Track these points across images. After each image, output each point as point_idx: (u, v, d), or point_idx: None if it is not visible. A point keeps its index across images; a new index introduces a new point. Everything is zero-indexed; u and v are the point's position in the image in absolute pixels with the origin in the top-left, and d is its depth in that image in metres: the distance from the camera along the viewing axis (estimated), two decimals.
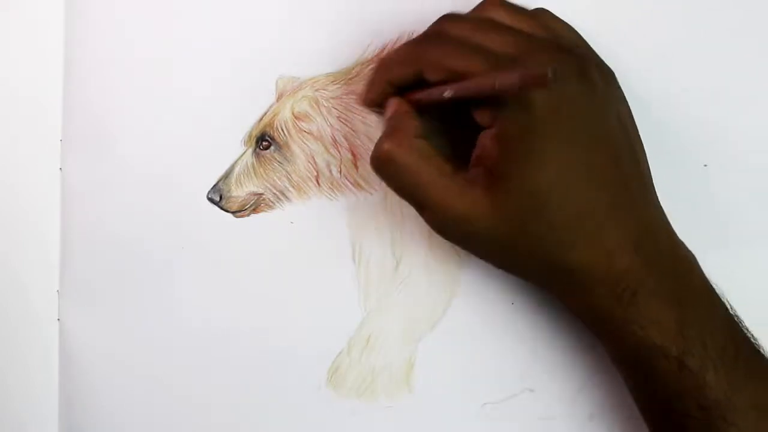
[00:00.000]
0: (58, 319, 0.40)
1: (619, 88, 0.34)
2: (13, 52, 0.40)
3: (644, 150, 0.34)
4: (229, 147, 0.39)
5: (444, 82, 0.32)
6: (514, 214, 0.31)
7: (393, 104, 0.34)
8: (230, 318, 0.39)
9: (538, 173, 0.30)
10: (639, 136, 0.34)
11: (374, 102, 0.36)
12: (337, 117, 0.38)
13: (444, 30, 0.33)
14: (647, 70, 0.36)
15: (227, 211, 0.39)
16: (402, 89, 0.34)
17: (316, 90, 0.38)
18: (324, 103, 0.38)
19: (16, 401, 0.40)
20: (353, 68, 0.38)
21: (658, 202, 0.33)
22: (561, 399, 0.38)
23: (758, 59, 0.37)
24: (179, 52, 0.39)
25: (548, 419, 0.38)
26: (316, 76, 0.38)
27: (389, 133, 0.33)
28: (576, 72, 0.31)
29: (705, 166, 0.37)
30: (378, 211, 0.38)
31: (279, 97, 0.38)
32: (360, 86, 0.37)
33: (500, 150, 0.31)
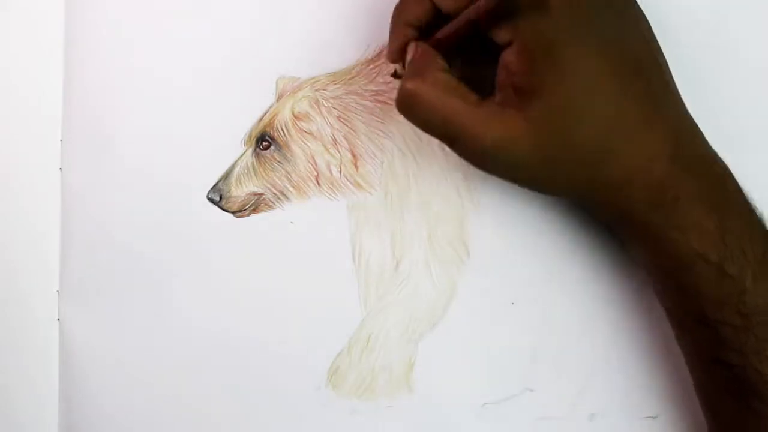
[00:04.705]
0: (58, 319, 0.40)
1: (637, 4, 0.33)
2: (13, 52, 0.40)
3: (667, 62, 0.33)
4: (229, 147, 0.39)
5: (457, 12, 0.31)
6: (551, 128, 0.30)
7: (412, 48, 0.33)
8: (230, 318, 0.39)
9: (566, 80, 0.30)
10: (661, 50, 0.33)
11: (398, 51, 0.34)
12: (337, 117, 0.38)
13: None
14: None
15: (227, 211, 0.39)
16: (423, 33, 0.33)
17: (316, 90, 0.38)
18: (324, 103, 0.38)
19: (16, 401, 0.40)
20: (353, 68, 0.38)
21: (688, 112, 0.33)
22: (561, 399, 0.38)
23: None
24: (179, 52, 0.39)
25: (548, 419, 0.38)
26: (316, 76, 0.38)
27: (410, 74, 0.32)
28: None
29: None
30: (378, 211, 0.38)
31: (279, 97, 0.38)
32: (360, 86, 0.37)
33: (525, 62, 0.30)
